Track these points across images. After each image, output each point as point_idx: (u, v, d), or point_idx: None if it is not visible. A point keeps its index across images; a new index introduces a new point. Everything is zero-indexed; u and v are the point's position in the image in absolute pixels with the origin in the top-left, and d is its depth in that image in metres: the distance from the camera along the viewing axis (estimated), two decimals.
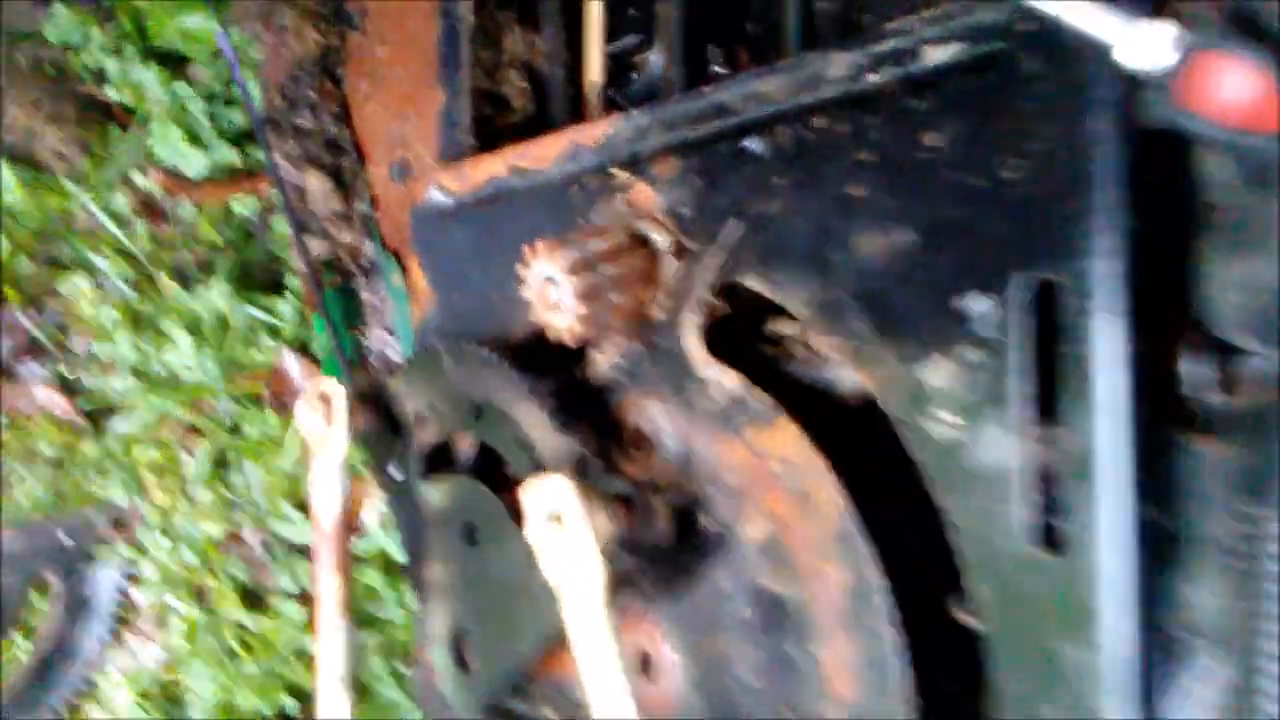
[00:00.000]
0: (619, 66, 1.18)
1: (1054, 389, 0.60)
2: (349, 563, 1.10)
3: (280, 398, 1.69)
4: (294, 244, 1.65)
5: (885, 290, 0.69)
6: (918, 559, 0.69)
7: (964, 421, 0.63)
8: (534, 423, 0.89)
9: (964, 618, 0.68)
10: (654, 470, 0.85)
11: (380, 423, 1.12)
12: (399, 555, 1.67)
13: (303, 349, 1.70)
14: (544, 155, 0.98)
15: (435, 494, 1.06)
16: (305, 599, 1.67)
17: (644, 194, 0.86)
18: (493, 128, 1.21)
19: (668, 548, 0.82)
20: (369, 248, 1.73)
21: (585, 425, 0.88)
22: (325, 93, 1.67)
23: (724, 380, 0.80)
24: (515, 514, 0.94)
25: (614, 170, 0.89)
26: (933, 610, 0.69)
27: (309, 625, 1.66)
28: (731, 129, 0.79)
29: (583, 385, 0.92)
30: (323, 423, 1.10)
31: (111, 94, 1.60)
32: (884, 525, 0.70)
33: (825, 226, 0.72)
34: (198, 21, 1.61)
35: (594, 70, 1.15)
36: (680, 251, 0.84)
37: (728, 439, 0.79)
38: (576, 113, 1.12)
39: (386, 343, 1.73)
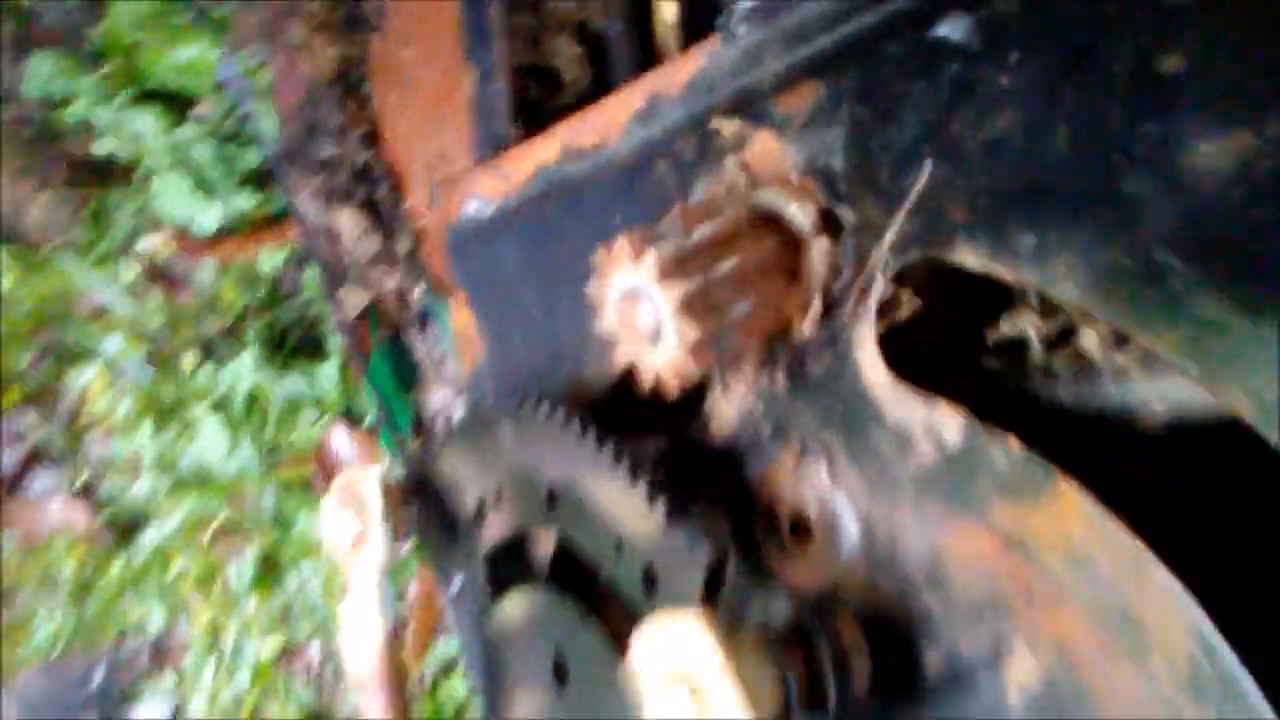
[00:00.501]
0: (698, 9, 0.89)
1: None
2: (403, 695, 0.82)
3: (333, 481, 1.41)
4: (333, 294, 1.39)
5: (1244, 234, 0.38)
6: None
7: None
8: (631, 512, 0.59)
9: None
10: (830, 574, 0.54)
11: (431, 520, 0.84)
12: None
13: (353, 419, 1.43)
14: (609, 122, 0.69)
15: (508, 611, 0.76)
16: None
17: (767, 148, 0.56)
18: (544, 112, 0.92)
19: (868, 704, 0.50)
20: (419, 291, 1.45)
21: (712, 511, 0.57)
22: (350, 114, 1.41)
23: (940, 423, 0.48)
24: (619, 640, 0.65)
25: (716, 122, 0.59)
26: None
27: None
28: (909, 11, 0.48)
29: (702, 448, 0.62)
30: (355, 524, 0.82)
31: (105, 148, 1.37)
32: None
33: (1115, 138, 0.40)
34: (196, 52, 1.37)
35: (667, 13, 0.86)
36: (832, 227, 0.53)
37: (960, 522, 0.48)
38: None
39: (454, 403, 1.45)
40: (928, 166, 0.48)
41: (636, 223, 0.64)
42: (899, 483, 0.51)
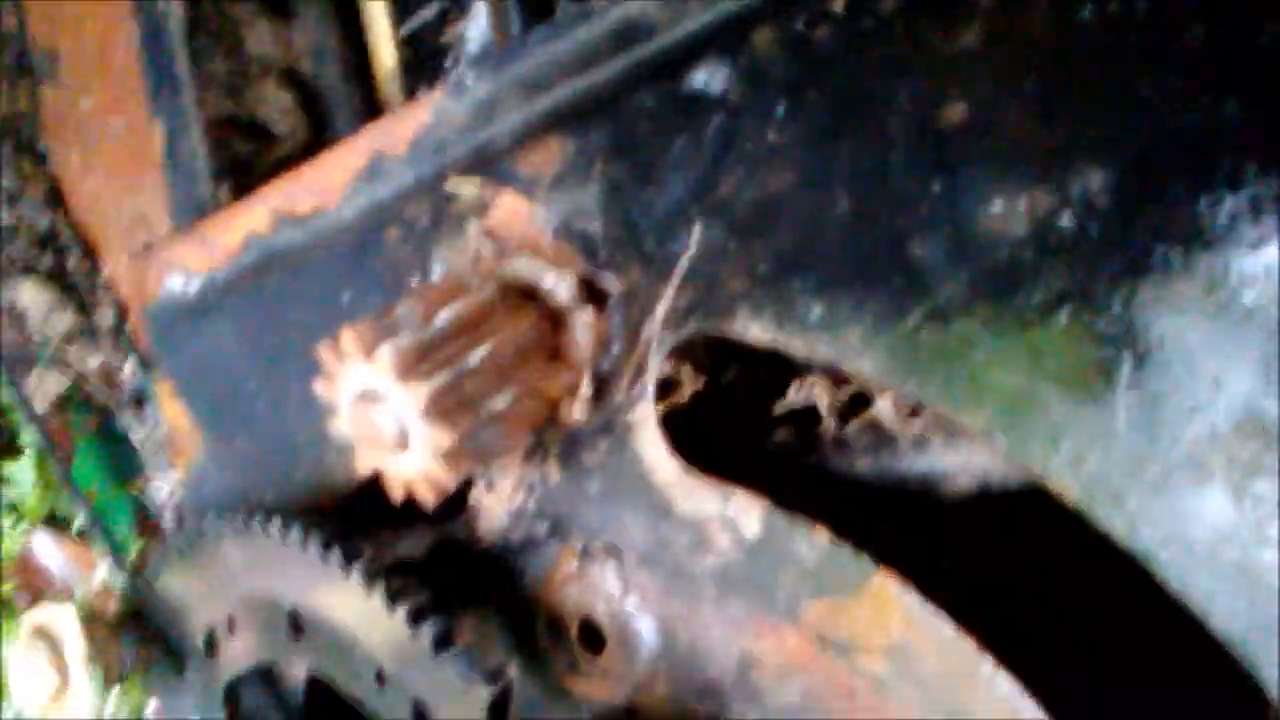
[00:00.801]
0: (422, 53, 0.81)
1: None
2: None
3: (37, 592, 1.23)
4: (19, 385, 1.20)
5: (1048, 298, 0.34)
6: None
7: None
8: (391, 638, 0.51)
9: None
10: (629, 685, 0.48)
11: (152, 651, 0.71)
12: None
13: (59, 524, 1.25)
14: (328, 184, 0.60)
15: None
16: None
17: (514, 211, 0.49)
18: (257, 169, 0.81)
19: None
20: (129, 369, 1.28)
21: (487, 628, 0.50)
22: (24, 174, 1.22)
23: (737, 514, 0.43)
24: None
25: (452, 183, 0.51)
26: None
27: None
28: (656, 59, 0.43)
29: (469, 552, 0.54)
30: (51, 676, 0.68)
31: None
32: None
33: (899, 197, 0.36)
34: None
35: (386, 58, 0.78)
36: (596, 297, 0.47)
37: (768, 622, 0.43)
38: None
39: (175, 490, 1.28)
40: (697, 229, 0.42)
41: (370, 298, 0.56)
42: (697, 581, 0.45)
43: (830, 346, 0.39)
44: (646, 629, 0.47)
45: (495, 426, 0.46)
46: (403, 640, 0.50)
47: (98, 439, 1.24)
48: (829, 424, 0.46)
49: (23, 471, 1.23)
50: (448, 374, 0.43)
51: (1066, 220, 0.33)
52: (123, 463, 1.24)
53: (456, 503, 0.56)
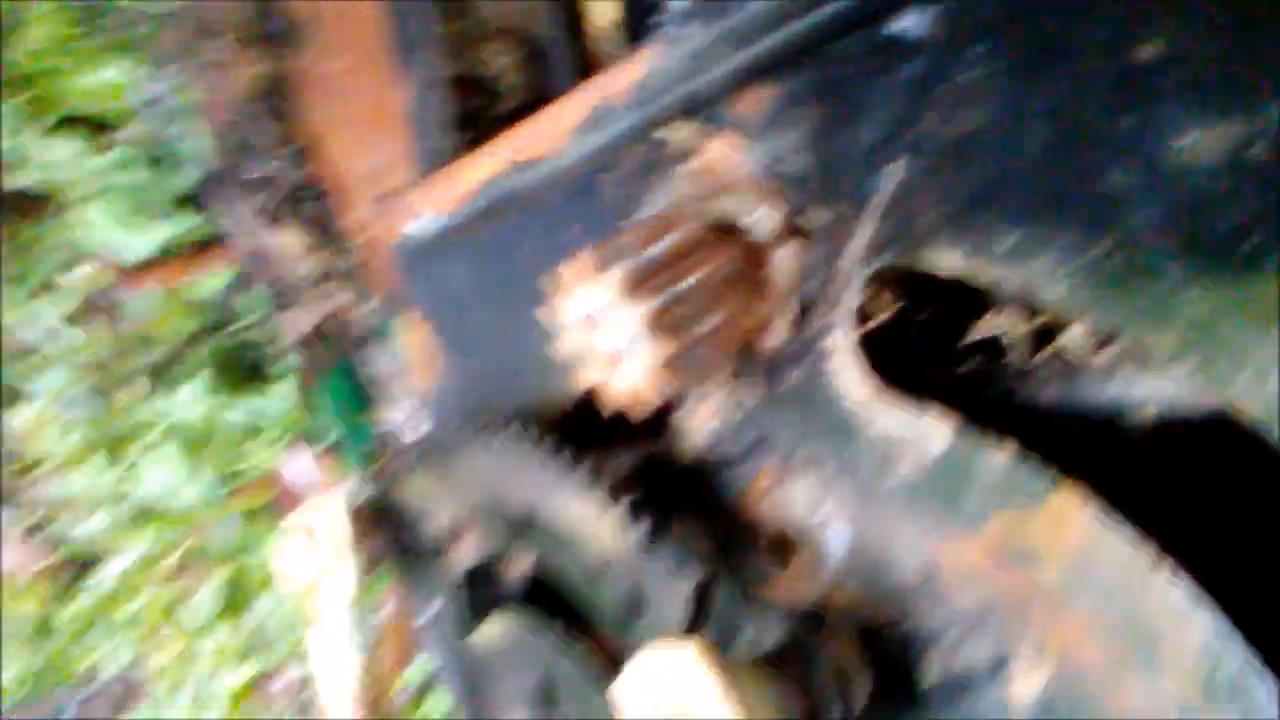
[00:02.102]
0: (634, 10, 0.87)
1: None
2: None
3: (292, 506, 1.38)
4: (278, 316, 1.35)
5: (1236, 227, 0.36)
6: None
7: None
8: (610, 534, 0.57)
9: None
10: (819, 590, 0.53)
11: (401, 543, 0.81)
12: None
13: (311, 442, 1.40)
14: (553, 133, 0.66)
15: (487, 636, 0.74)
16: None
17: (724, 153, 0.54)
18: (484, 123, 0.89)
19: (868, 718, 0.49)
20: (369, 308, 1.41)
21: (693, 530, 0.55)
22: (280, 131, 1.36)
23: (928, 431, 0.47)
24: (604, 663, 0.63)
25: (667, 129, 0.56)
26: None
27: None
28: (859, 8, 0.46)
29: (676, 465, 0.60)
30: (320, 559, 0.79)
31: (24, 179, 1.31)
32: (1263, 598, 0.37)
33: (1094, 131, 0.39)
34: (114, 75, 1.32)
35: (601, 16, 0.84)
36: (798, 232, 0.51)
37: (953, 532, 0.46)
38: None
39: (413, 419, 1.41)
40: (898, 166, 0.46)
41: (592, 235, 0.62)
42: (887, 494, 0.49)
43: (1021, 275, 0.41)
44: (835, 540, 0.52)
45: (703, 347, 0.51)
46: (621, 535, 0.56)
47: (342, 370, 1.37)
48: (1017, 355, 0.48)
49: (279, 395, 1.38)
50: (664, 296, 0.49)
51: (1258, 150, 0.35)
52: (361, 392, 1.38)
53: (659, 426, 0.62)
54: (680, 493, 0.58)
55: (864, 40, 0.46)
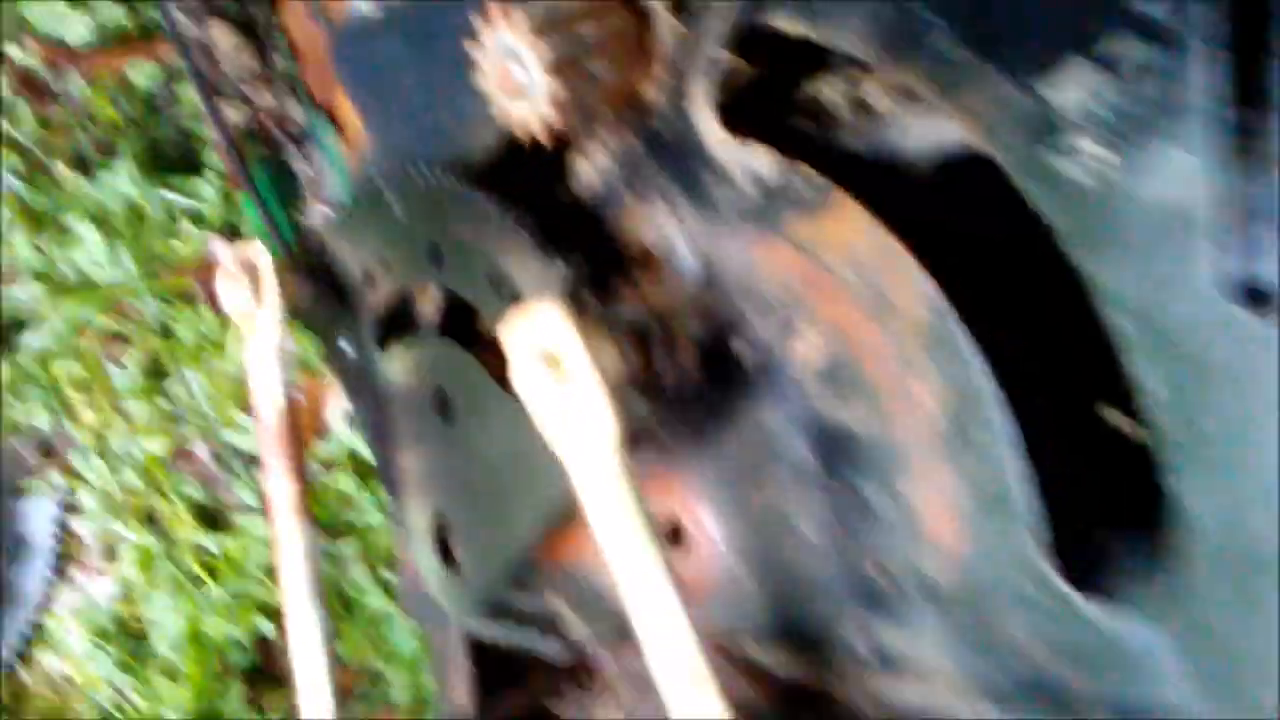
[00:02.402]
0: None
1: (1261, 89, 0.42)
2: (303, 462, 0.92)
3: (214, 292, 1.48)
4: (209, 110, 1.43)
5: None
6: (1047, 355, 0.52)
7: (1117, 153, 0.45)
8: (508, 253, 0.71)
9: (1120, 422, 0.51)
10: (668, 296, 0.67)
11: (321, 291, 0.93)
12: (370, 455, 1.49)
13: (233, 234, 1.49)
14: None
15: (396, 365, 0.87)
16: (269, 512, 1.49)
17: None
18: None
19: (694, 387, 0.64)
20: (295, 110, 1.50)
21: (575, 249, 0.69)
22: None
23: (754, 161, 0.61)
24: (496, 375, 0.77)
25: None
26: (1074, 420, 0.53)
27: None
28: None
29: (565, 203, 0.73)
30: (250, 298, 0.90)
31: None
32: (994, 316, 0.53)
33: None
34: None
35: None
36: (681, 6, 0.64)
37: (765, 239, 0.61)
38: None
39: (327, 218, 1.51)
40: None
41: None
42: (724, 215, 0.63)
43: (830, 31, 0.55)
44: (684, 252, 0.66)
45: (595, 91, 0.64)
46: (514, 248, 0.69)
47: (268, 167, 1.46)
48: (839, 110, 0.62)
49: (205, 187, 1.47)
50: (566, 40, 0.61)
51: None
52: (285, 189, 1.47)
53: (555, 174, 0.75)
54: (570, 222, 0.72)
55: None
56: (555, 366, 0.57)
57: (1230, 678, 0.46)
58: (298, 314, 0.95)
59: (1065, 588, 0.51)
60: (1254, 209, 0.42)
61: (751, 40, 0.61)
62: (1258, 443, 0.43)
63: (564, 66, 0.62)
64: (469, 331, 0.82)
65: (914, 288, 0.55)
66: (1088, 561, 0.51)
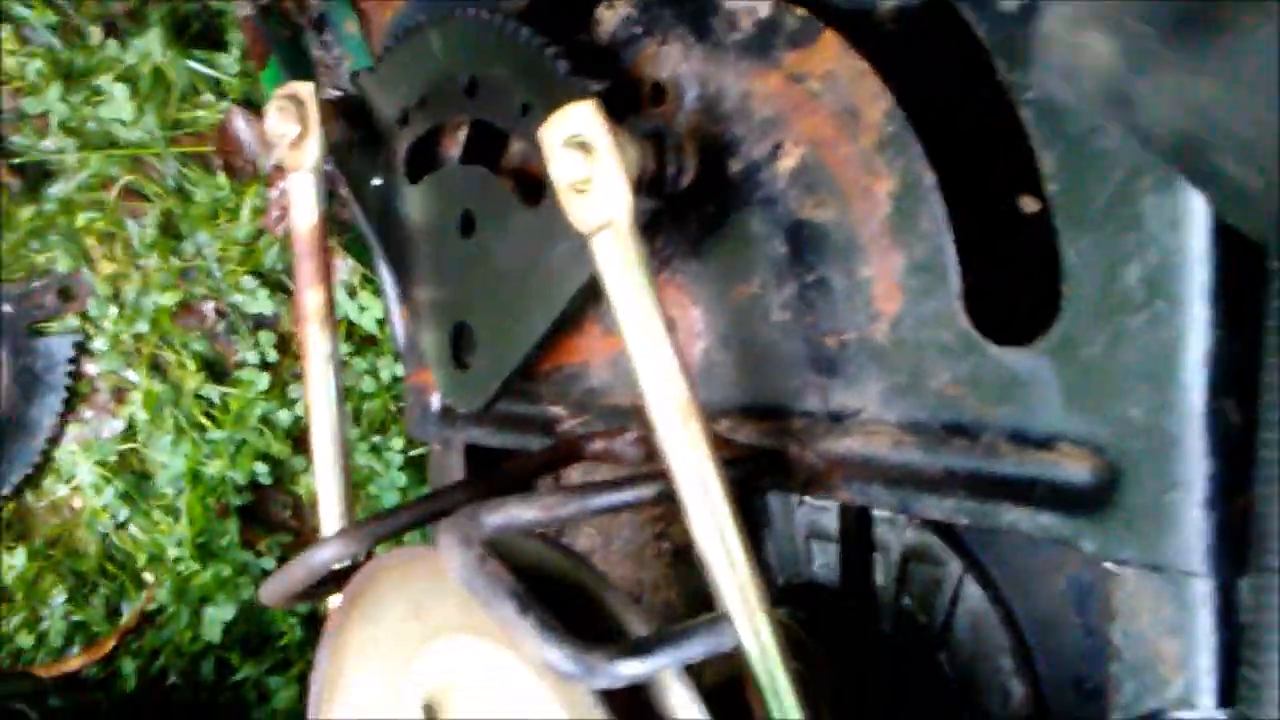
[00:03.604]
0: None
1: None
2: (330, 275, 1.04)
3: (229, 159, 1.59)
4: None
5: None
6: (979, 154, 0.66)
7: None
8: (543, 79, 0.83)
9: (1028, 203, 0.65)
10: (675, 120, 0.80)
11: (356, 131, 1.04)
12: (366, 324, 1.62)
13: (251, 107, 1.60)
14: None
15: (424, 192, 1.00)
16: (269, 368, 1.61)
17: None
18: None
19: (693, 190, 0.77)
20: None
21: (600, 76, 0.82)
22: None
23: (754, 3, 0.74)
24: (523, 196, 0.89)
25: None
26: (997, 205, 0.67)
27: (276, 394, 1.61)
28: None
29: (591, 44, 0.86)
30: (295, 127, 1.02)
31: None
32: (939, 125, 0.67)
33: None
34: None
35: None
36: None
37: (760, 69, 0.74)
38: None
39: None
40: None
41: None
42: (727, 51, 0.77)
43: None
44: (691, 85, 0.79)
45: None
46: (546, 75, 0.82)
47: (287, 48, 1.57)
48: None
49: (228, 61, 1.57)
50: None
51: None
52: (302, 71, 1.58)
53: (581, 24, 0.88)
54: (596, 58, 0.84)
55: None
56: (586, 152, 0.70)
57: (1095, 396, 0.60)
58: (334, 151, 1.06)
59: (978, 335, 0.65)
60: None
61: None
62: (1125, 210, 0.58)
63: None
64: (489, 164, 0.95)
65: (877, 103, 0.68)
66: (998, 314, 0.65)
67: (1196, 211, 0.55)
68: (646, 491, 0.72)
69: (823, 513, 1.00)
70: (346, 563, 0.83)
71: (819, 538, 1.02)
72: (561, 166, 0.72)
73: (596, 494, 0.71)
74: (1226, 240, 0.55)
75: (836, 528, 0.99)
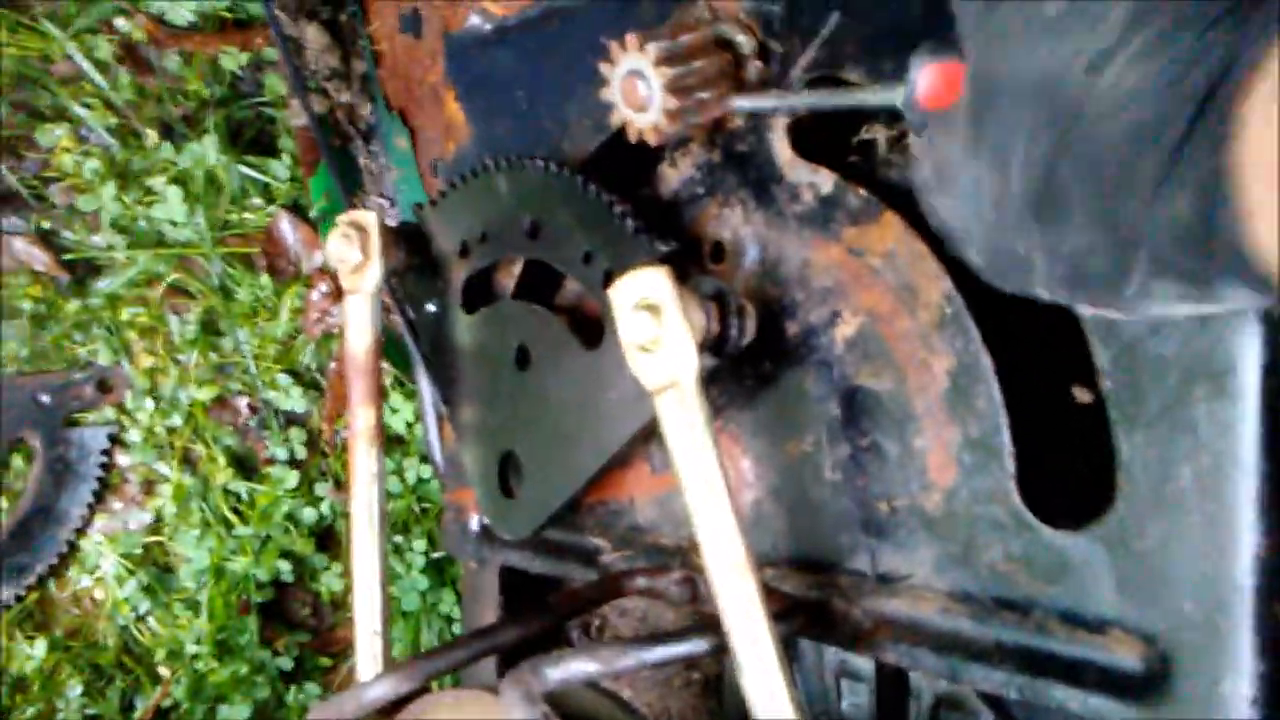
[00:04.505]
0: None
1: None
2: (380, 395, 1.07)
3: (273, 261, 1.63)
4: (295, 99, 1.58)
5: None
6: (1035, 342, 0.69)
7: None
8: (606, 233, 0.87)
9: (1081, 394, 0.68)
10: (734, 279, 0.84)
11: (415, 259, 1.08)
12: (396, 425, 1.64)
13: (296, 212, 1.65)
14: None
15: (480, 322, 1.03)
16: (299, 465, 1.63)
17: None
18: None
19: (751, 350, 0.80)
20: (367, 109, 1.66)
21: (663, 237, 0.85)
22: None
23: (817, 180, 0.78)
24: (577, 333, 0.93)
25: None
26: (1051, 391, 0.70)
27: (303, 492, 1.62)
28: None
29: (653, 199, 0.90)
30: (357, 253, 1.05)
31: None
32: (995, 311, 0.70)
33: None
34: None
35: None
36: (765, 54, 0.82)
37: (821, 241, 0.78)
38: None
39: (383, 210, 1.67)
40: (834, 17, 0.76)
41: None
42: (788, 220, 0.80)
43: (884, 92, 0.72)
44: (752, 248, 0.83)
45: (696, 110, 0.81)
46: (610, 230, 0.86)
47: (336, 156, 1.62)
48: (882, 150, 0.80)
49: (279, 167, 1.62)
50: (680, 69, 0.78)
51: None
52: (349, 179, 1.63)
53: (646, 180, 0.92)
54: (658, 214, 0.88)
55: None
56: (655, 314, 0.73)
57: (1148, 586, 0.63)
58: (394, 274, 1.09)
59: (1031, 516, 0.68)
60: None
61: (820, 82, 0.79)
62: (1180, 413, 0.60)
63: (679, 89, 0.79)
64: (542, 302, 0.98)
65: (937, 284, 0.72)
66: (1051, 497, 0.67)
67: (1248, 421, 0.58)
68: (701, 646, 0.74)
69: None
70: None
71: (850, 676, 1.03)
72: (630, 327, 0.75)
73: (652, 647, 0.73)
74: (1274, 448, 0.58)
75: (868, 668, 1.01)
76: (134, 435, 1.58)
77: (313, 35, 1.59)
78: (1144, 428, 0.62)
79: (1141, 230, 0.42)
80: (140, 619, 1.57)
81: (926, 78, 0.58)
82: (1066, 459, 0.70)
